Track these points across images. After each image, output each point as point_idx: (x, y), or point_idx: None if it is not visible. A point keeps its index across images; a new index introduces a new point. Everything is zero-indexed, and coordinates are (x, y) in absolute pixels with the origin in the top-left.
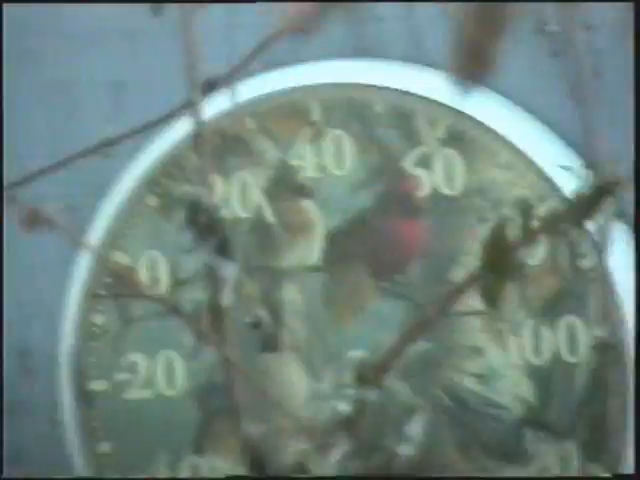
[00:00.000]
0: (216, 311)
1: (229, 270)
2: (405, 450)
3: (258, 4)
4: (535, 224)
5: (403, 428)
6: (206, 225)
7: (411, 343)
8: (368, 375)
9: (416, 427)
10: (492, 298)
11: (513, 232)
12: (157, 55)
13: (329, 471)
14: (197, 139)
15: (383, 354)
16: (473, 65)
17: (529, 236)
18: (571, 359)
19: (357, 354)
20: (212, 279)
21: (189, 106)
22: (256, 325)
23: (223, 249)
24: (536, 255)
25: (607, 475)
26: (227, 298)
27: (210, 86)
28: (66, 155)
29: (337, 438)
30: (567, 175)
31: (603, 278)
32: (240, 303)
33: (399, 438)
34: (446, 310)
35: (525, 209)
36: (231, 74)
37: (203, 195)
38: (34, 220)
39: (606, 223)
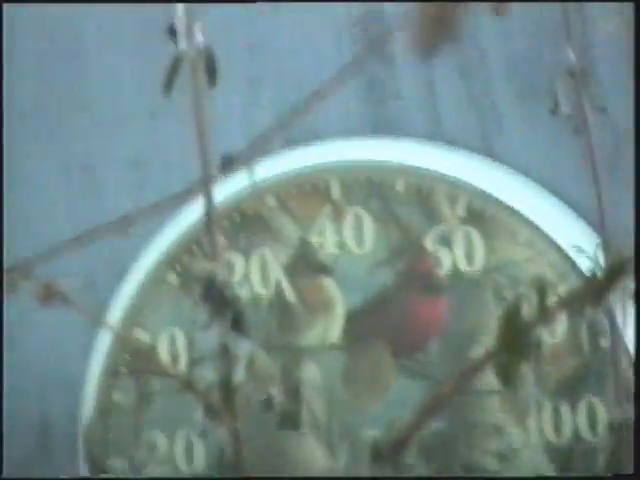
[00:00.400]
0: (228, 388)
1: (242, 347)
2: None
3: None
4: (551, 303)
5: None
6: (220, 301)
7: (427, 421)
8: (384, 453)
9: None
10: (507, 377)
11: (529, 311)
12: (176, 133)
13: None
14: (207, 218)
15: (399, 432)
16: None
17: (545, 315)
18: (591, 439)
19: (374, 433)
20: (225, 356)
21: (202, 184)
22: (268, 404)
23: (237, 325)
24: (556, 334)
25: (607, 475)
26: (239, 375)
27: (227, 163)
28: (86, 231)
29: None
30: (584, 255)
31: (617, 357)
32: (259, 381)
33: None
34: (462, 388)
35: (541, 288)
36: (249, 151)
37: (218, 272)
38: (48, 295)
39: (621, 302)
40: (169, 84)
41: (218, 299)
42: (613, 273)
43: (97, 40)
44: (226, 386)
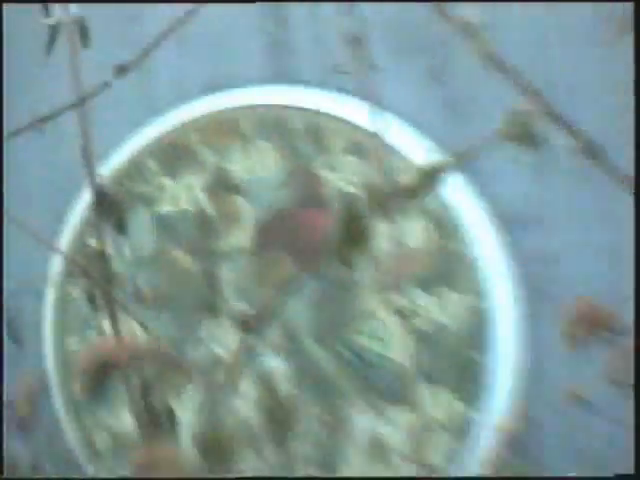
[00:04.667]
0: (107, 282)
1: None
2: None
3: None
4: (379, 200)
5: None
6: (107, 206)
7: (284, 296)
8: (250, 324)
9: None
10: (345, 260)
11: (362, 206)
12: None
13: None
14: (84, 142)
15: (261, 307)
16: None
17: (373, 208)
18: (445, 321)
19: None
20: (103, 254)
21: (77, 105)
22: (138, 295)
23: (120, 227)
24: (415, 238)
25: (607, 475)
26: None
27: (120, 70)
28: None
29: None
30: None
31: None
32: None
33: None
34: (310, 270)
35: (371, 187)
36: (138, 60)
37: (107, 184)
38: None
39: None
40: (50, 47)
41: (106, 205)
42: (425, 176)
43: None
44: (105, 279)
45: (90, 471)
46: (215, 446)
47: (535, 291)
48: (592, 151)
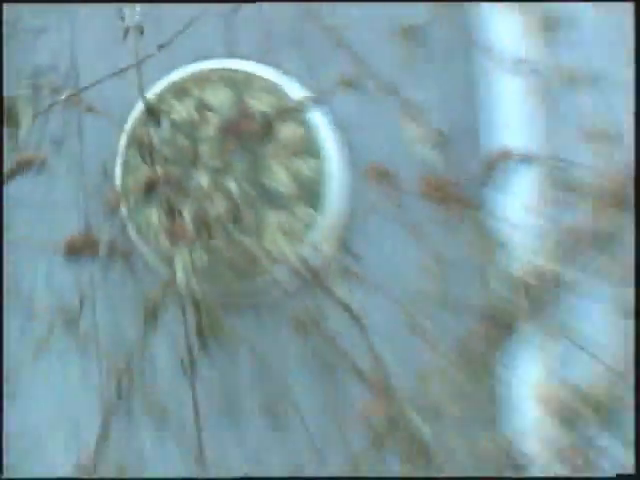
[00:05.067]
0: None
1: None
2: None
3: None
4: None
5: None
6: (151, 113)
7: (232, 155)
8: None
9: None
10: (262, 141)
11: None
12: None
13: None
14: (139, 86)
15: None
16: None
17: (276, 118)
18: (307, 172)
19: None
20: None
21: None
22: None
23: (157, 124)
24: (293, 134)
25: (607, 476)
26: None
27: (160, 47)
28: None
29: None
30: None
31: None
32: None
33: None
34: (245, 145)
35: (274, 109)
36: (169, 42)
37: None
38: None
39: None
40: (125, 36)
41: (150, 112)
42: (299, 103)
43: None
44: (149, 147)
45: (142, 246)
46: (204, 221)
47: (353, 158)
48: (393, 90)
